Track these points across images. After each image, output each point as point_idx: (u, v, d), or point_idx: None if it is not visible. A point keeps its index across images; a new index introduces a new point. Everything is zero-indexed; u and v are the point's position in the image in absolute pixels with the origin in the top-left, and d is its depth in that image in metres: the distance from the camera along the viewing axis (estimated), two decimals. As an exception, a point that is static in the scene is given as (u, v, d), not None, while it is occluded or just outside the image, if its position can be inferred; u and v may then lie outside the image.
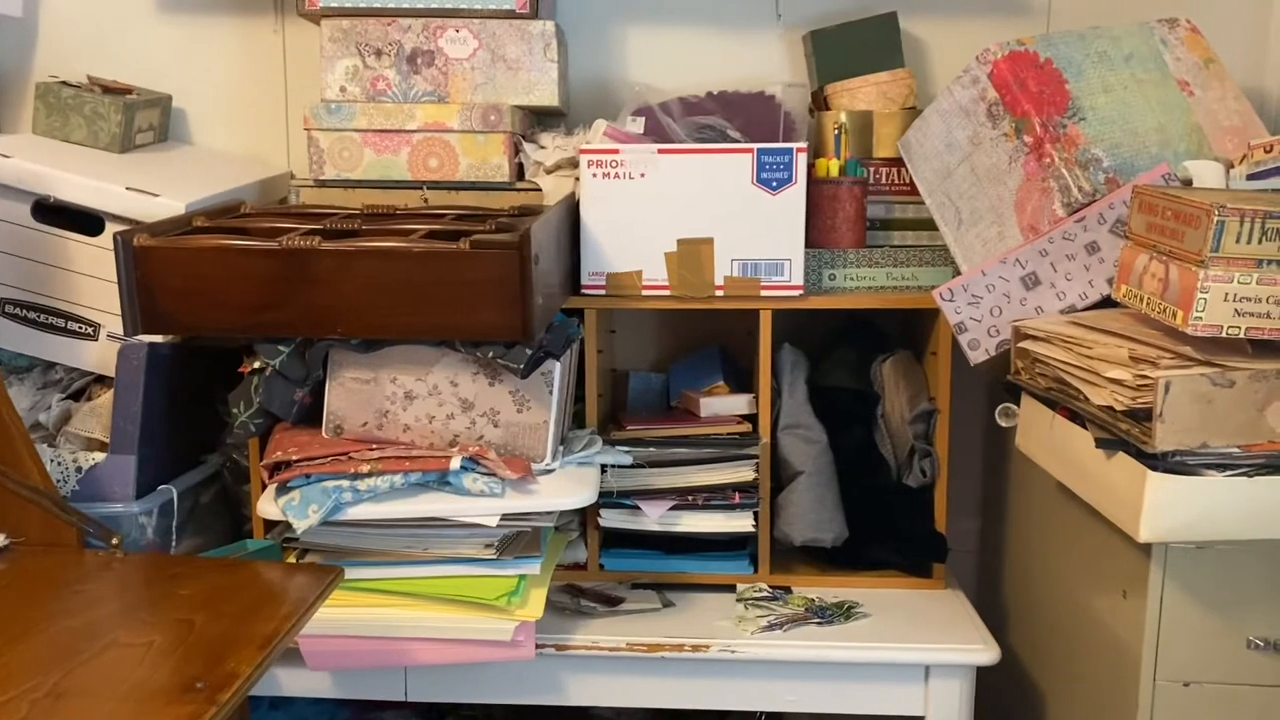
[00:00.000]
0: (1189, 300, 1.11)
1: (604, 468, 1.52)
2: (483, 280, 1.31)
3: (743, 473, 1.57)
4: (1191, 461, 1.09)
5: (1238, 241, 1.09)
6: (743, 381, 1.70)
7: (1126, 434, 1.12)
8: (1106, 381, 1.15)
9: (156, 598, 1.19)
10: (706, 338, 1.84)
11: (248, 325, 1.36)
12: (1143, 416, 1.10)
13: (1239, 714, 1.17)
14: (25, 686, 0.96)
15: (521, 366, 1.36)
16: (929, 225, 1.60)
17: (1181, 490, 1.07)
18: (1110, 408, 1.14)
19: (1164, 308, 1.15)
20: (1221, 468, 1.09)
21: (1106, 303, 1.35)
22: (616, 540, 1.62)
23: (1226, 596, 1.16)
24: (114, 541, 1.30)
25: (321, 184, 1.65)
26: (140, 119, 1.73)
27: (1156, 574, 1.16)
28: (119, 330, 1.49)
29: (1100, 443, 1.17)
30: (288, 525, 1.39)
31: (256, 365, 1.40)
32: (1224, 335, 1.11)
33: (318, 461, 1.36)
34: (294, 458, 1.37)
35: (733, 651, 1.42)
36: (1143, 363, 1.13)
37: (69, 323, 1.55)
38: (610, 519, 1.57)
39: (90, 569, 1.26)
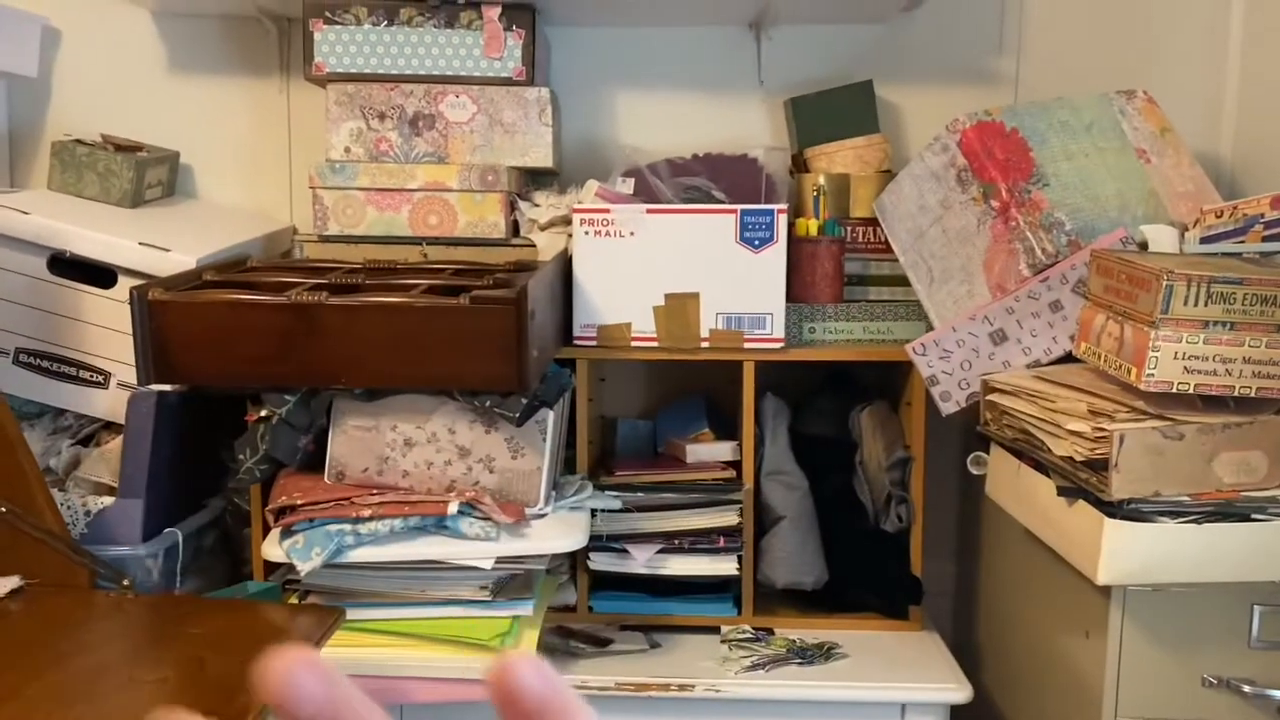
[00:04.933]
0: (1141, 358, 1.19)
1: (594, 512, 1.58)
2: (481, 333, 1.38)
3: (727, 517, 1.63)
4: (1145, 509, 1.16)
5: (1185, 304, 1.18)
6: (726, 429, 1.77)
7: (1086, 483, 1.20)
8: (1067, 433, 1.23)
9: (167, 637, 1.24)
10: (692, 387, 1.92)
11: (256, 376, 1.42)
12: (1100, 466, 1.18)
13: (1195, 749, 1.24)
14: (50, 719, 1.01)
15: (517, 415, 1.43)
16: (903, 282, 1.69)
17: (1136, 536, 1.15)
18: (1070, 458, 1.22)
19: (1119, 364, 1.24)
20: (1173, 514, 1.16)
21: (1069, 358, 1.43)
22: (605, 583, 1.68)
23: (1182, 636, 1.23)
24: (125, 583, 1.36)
25: (325, 239, 1.72)
26: (150, 175, 1.81)
27: (1116, 615, 1.23)
28: (129, 379, 1.56)
29: (1061, 491, 1.24)
30: (289, 568, 1.45)
31: (263, 413, 1.47)
32: (1175, 391, 1.19)
33: (321, 506, 1.42)
34: (298, 502, 1.43)
35: (717, 691, 1.48)
36: (1100, 416, 1.21)
37: (80, 371, 1.61)
38: (599, 562, 1.63)
39: (102, 609, 1.32)
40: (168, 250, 1.59)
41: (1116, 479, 1.15)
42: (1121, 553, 1.15)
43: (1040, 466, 1.32)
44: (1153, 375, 1.18)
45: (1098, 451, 1.18)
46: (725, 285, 1.62)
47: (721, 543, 1.63)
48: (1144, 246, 1.45)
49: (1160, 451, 1.15)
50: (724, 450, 1.71)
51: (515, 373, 1.38)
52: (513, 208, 1.73)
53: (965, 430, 1.76)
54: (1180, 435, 1.16)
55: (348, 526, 1.41)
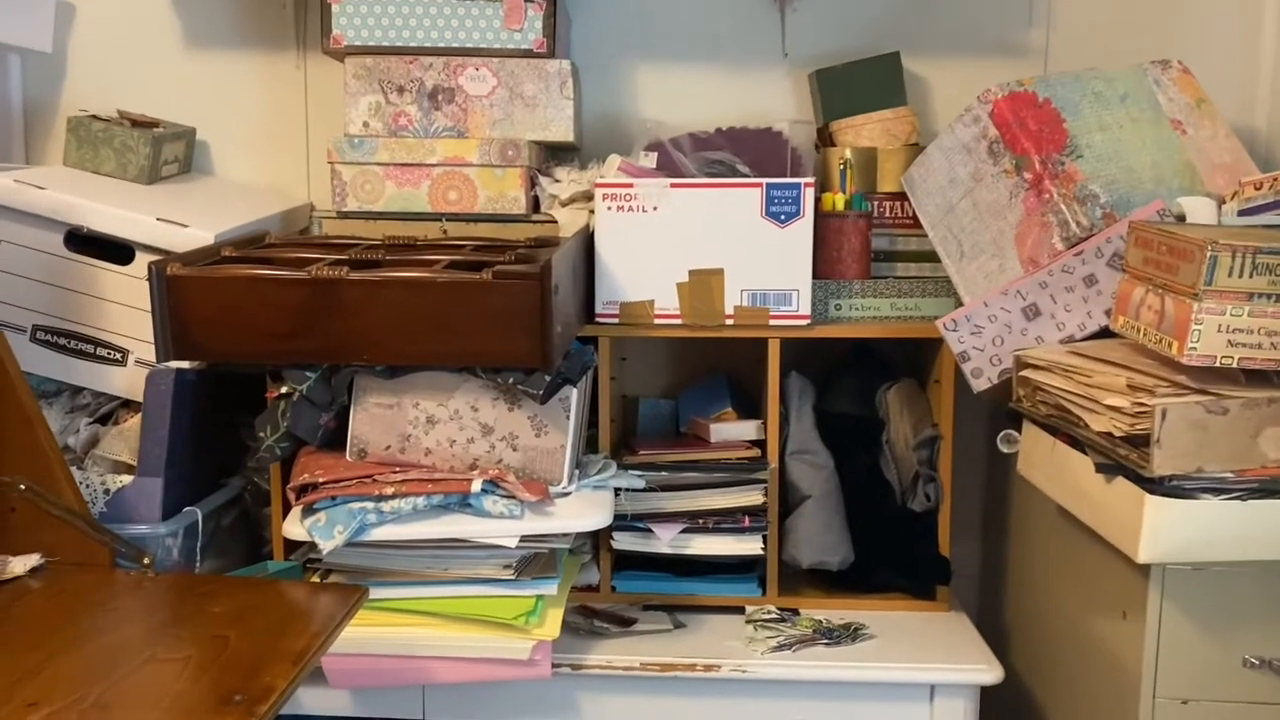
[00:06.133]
0: (1184, 331, 1.16)
1: (617, 491, 1.56)
2: (504, 310, 1.35)
3: (752, 497, 1.61)
4: (1188, 486, 1.14)
5: (1230, 275, 1.14)
6: (749, 408, 1.75)
7: (1125, 459, 1.17)
8: (1105, 409, 1.20)
9: (189, 615, 1.23)
10: (715, 365, 1.89)
11: (276, 352, 1.40)
12: (1140, 442, 1.15)
13: (1235, 730, 1.22)
14: (71, 698, 1.00)
15: (540, 393, 1.41)
16: (932, 257, 1.66)
17: (1178, 513, 1.12)
18: (1109, 434, 1.19)
19: (1160, 338, 1.20)
20: (1216, 491, 1.13)
21: (1104, 333, 1.40)
22: (628, 563, 1.66)
23: (1222, 617, 1.20)
24: (145, 561, 1.34)
25: (344, 215, 1.70)
26: (167, 151, 1.79)
27: (1155, 595, 1.20)
28: (147, 356, 1.54)
29: (1100, 467, 1.22)
30: (310, 546, 1.43)
31: (284, 390, 1.45)
32: (1218, 365, 1.16)
33: (343, 484, 1.41)
34: (320, 480, 1.41)
35: (743, 671, 1.46)
36: (1140, 391, 1.18)
37: (98, 349, 1.59)
38: (623, 542, 1.61)
39: (123, 587, 1.30)
40: (185, 226, 1.56)
41: (1158, 455, 1.12)
42: (1163, 530, 1.12)
43: (1076, 443, 1.29)
44: (1195, 349, 1.15)
45: (1138, 427, 1.15)
46: (750, 261, 1.59)
47: (746, 522, 1.61)
48: (1181, 219, 1.42)
49: (1204, 427, 1.12)
50: (748, 429, 1.68)
51: (538, 349, 1.36)
52: (533, 183, 1.70)
53: (994, 409, 1.74)
54: (1224, 410, 1.13)
55: (370, 504, 1.39)
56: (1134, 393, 1.18)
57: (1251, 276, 1.14)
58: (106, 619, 1.22)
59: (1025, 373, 1.39)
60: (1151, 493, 1.13)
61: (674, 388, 1.92)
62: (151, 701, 1.02)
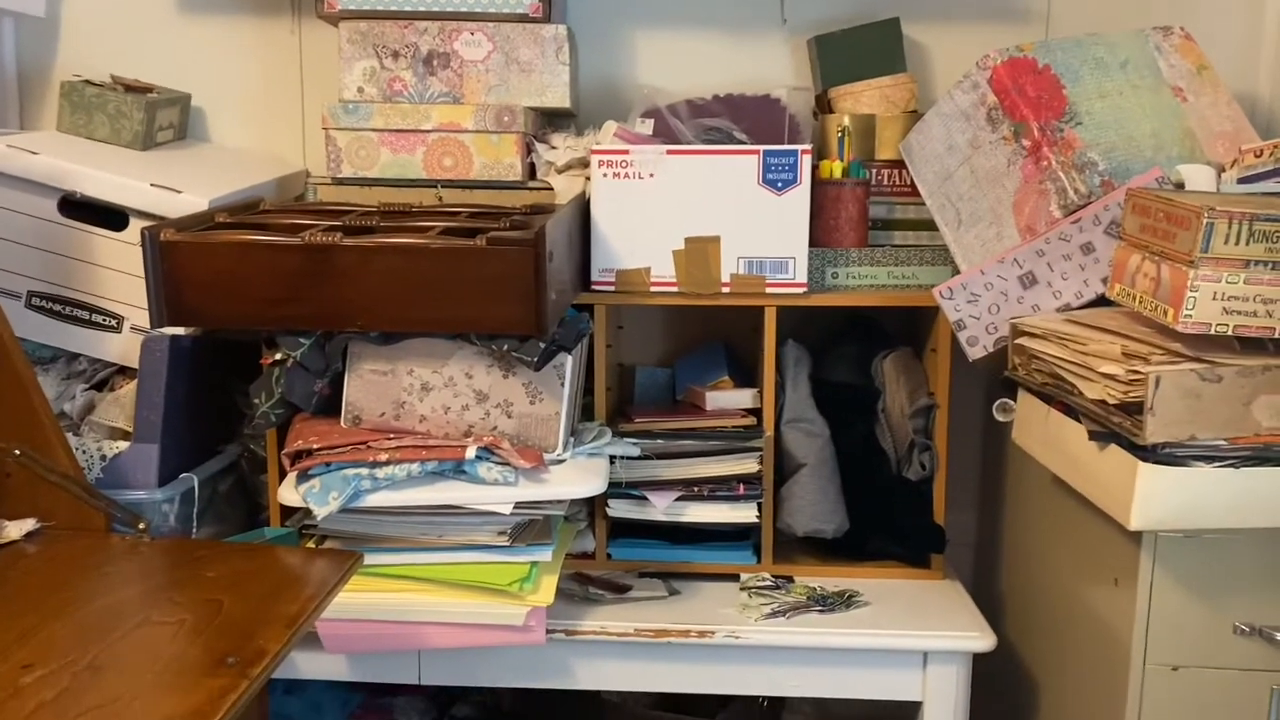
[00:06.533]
0: (1179, 299, 1.15)
1: (613, 459, 1.56)
2: (498, 276, 1.35)
3: (747, 465, 1.61)
4: (1180, 453, 1.13)
5: (1226, 243, 1.14)
6: (746, 377, 1.75)
7: (1119, 427, 1.17)
8: (1100, 376, 1.20)
9: (184, 579, 1.23)
10: (711, 334, 1.89)
11: (270, 318, 1.40)
12: (1134, 410, 1.15)
13: (1225, 697, 1.22)
14: (65, 660, 1.00)
15: (535, 359, 1.40)
16: (929, 226, 1.65)
17: (1170, 480, 1.12)
18: (1103, 401, 1.19)
19: (1155, 306, 1.20)
20: (1209, 459, 1.13)
21: (1101, 301, 1.40)
22: (624, 530, 1.66)
23: (1213, 583, 1.21)
24: (140, 526, 1.35)
25: (339, 182, 1.69)
26: (161, 117, 1.78)
27: (1146, 562, 1.21)
28: (142, 323, 1.54)
29: (1093, 435, 1.21)
30: (306, 513, 1.43)
31: (278, 357, 1.44)
32: (1212, 333, 1.15)
33: (337, 450, 1.41)
34: (314, 446, 1.41)
35: (737, 638, 1.47)
36: (1135, 358, 1.17)
37: (93, 315, 1.59)
38: (618, 509, 1.62)
39: (118, 552, 1.31)
40: (179, 192, 1.56)
41: (1151, 422, 1.12)
42: (1155, 497, 1.12)
43: (1071, 411, 1.29)
44: (1190, 316, 1.15)
45: (1132, 394, 1.15)
46: (747, 229, 1.58)
47: (741, 490, 1.61)
48: (1180, 186, 1.41)
49: (1197, 394, 1.12)
50: (744, 397, 1.68)
51: (533, 316, 1.36)
52: (529, 150, 1.69)
53: (990, 378, 1.73)
54: (1218, 378, 1.12)
55: (364, 471, 1.39)
56: (1128, 360, 1.18)
57: (1248, 243, 1.13)
58: (102, 583, 1.22)
59: (1021, 341, 1.39)
60: (1144, 460, 1.13)
61: (670, 356, 1.92)
62: (145, 664, 1.02)
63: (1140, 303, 1.23)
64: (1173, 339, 1.19)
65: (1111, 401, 1.17)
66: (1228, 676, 1.21)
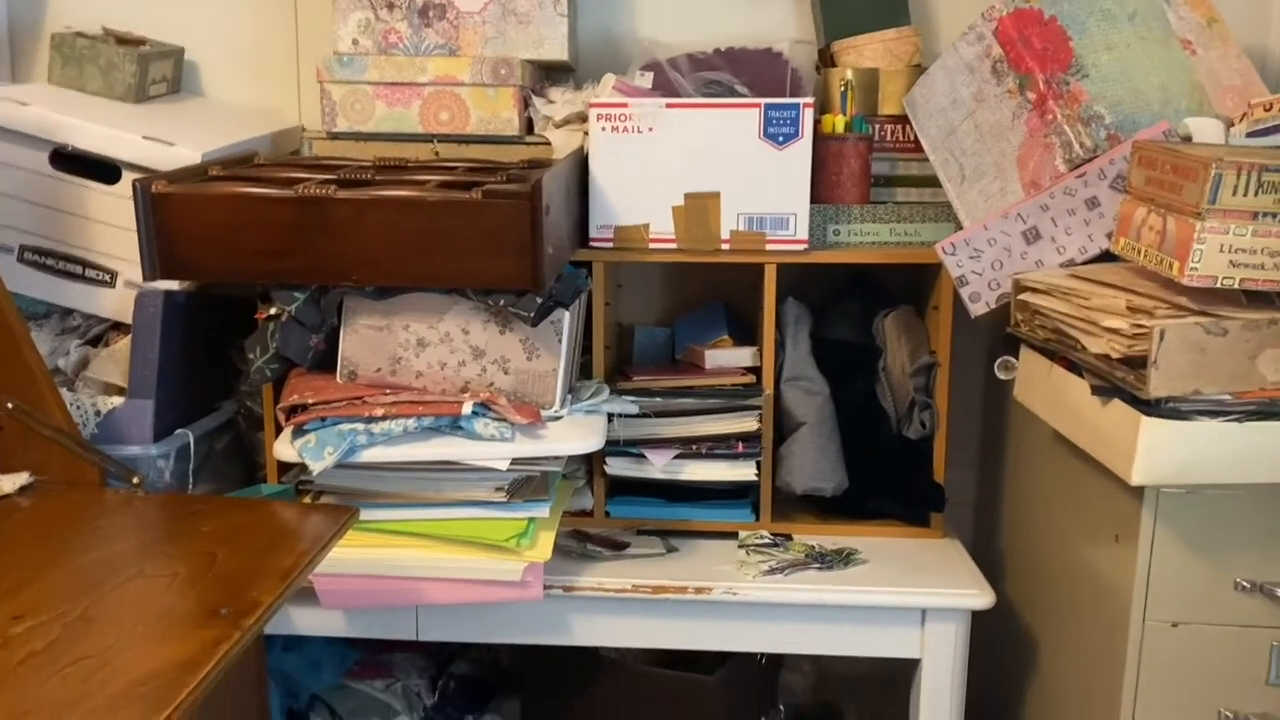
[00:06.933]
0: (1185, 251, 1.14)
1: (611, 417, 1.55)
2: (495, 229, 1.33)
3: (746, 423, 1.60)
4: (1184, 408, 1.12)
5: (1234, 194, 1.12)
6: (746, 336, 1.73)
7: (1122, 381, 1.16)
8: (1104, 331, 1.18)
9: (178, 533, 1.22)
10: (711, 293, 1.87)
11: (264, 271, 1.39)
12: (1138, 364, 1.13)
13: (1225, 653, 1.21)
14: (56, 611, 1.00)
15: (531, 315, 1.39)
16: (933, 182, 1.62)
17: (1173, 434, 1.11)
18: (1107, 356, 1.17)
19: (1161, 259, 1.18)
20: (1213, 414, 1.12)
21: (1105, 257, 1.38)
22: (622, 488, 1.66)
23: (1215, 540, 1.20)
24: (135, 480, 1.34)
25: (334, 136, 1.67)
26: (154, 70, 1.75)
27: (1148, 518, 1.20)
28: (136, 278, 1.52)
29: (1096, 390, 1.20)
30: (302, 469, 1.43)
31: (273, 311, 1.43)
32: (1218, 286, 1.13)
33: (333, 405, 1.40)
34: (310, 401, 1.40)
35: (734, 594, 1.46)
36: (1139, 312, 1.16)
37: (86, 270, 1.58)
38: (616, 467, 1.61)
39: (112, 506, 1.30)
40: (172, 144, 1.54)
41: (1155, 376, 1.10)
42: (1158, 452, 1.11)
43: (1073, 367, 1.27)
44: (1196, 269, 1.13)
45: (1136, 348, 1.13)
46: (747, 184, 1.56)
47: (740, 448, 1.60)
48: (1187, 140, 1.38)
49: (1202, 348, 1.10)
50: (744, 355, 1.67)
51: (529, 270, 1.34)
52: (526, 104, 1.67)
53: (991, 337, 1.72)
54: (1224, 331, 1.11)
55: (360, 426, 1.38)
56: (1133, 314, 1.16)
57: (1256, 195, 1.11)
58: (94, 536, 1.22)
59: (1023, 296, 1.37)
60: (1147, 414, 1.12)
61: (670, 316, 1.90)
62: (137, 615, 1.02)
63: (1145, 256, 1.22)
64: (1178, 293, 1.17)
65: (1115, 356, 1.16)
66: (1228, 633, 1.21)
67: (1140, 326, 1.13)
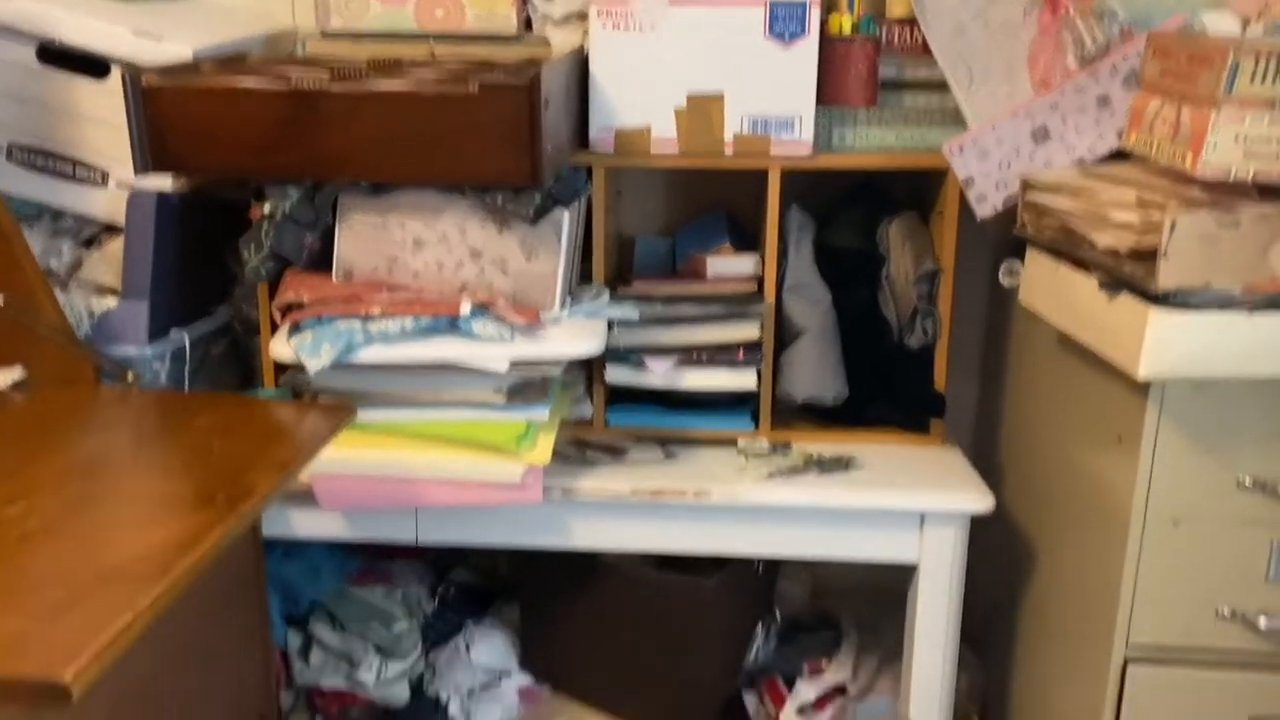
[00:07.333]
0: (1199, 142, 1.11)
1: (611, 325, 1.53)
2: (492, 123, 1.30)
3: (747, 331, 1.58)
4: (1193, 300, 1.10)
5: (1252, 82, 1.09)
6: (748, 247, 1.70)
7: (1130, 275, 1.14)
8: (1113, 225, 1.16)
9: (174, 426, 1.22)
10: (712, 204, 1.84)
11: (257, 167, 1.36)
12: (1147, 257, 1.11)
13: (1224, 550, 1.21)
14: (51, 495, 0.99)
15: (530, 213, 1.37)
16: (940, 87, 1.58)
17: (1182, 326, 1.09)
18: (1115, 250, 1.15)
19: (1174, 151, 1.16)
20: (1222, 307, 1.10)
21: (1116, 157, 1.35)
22: (621, 397, 1.65)
23: (1219, 437, 1.19)
24: (129, 377, 1.33)
25: (328, 36, 1.63)
26: (142, -33, 1.70)
27: (1152, 415, 1.19)
28: (128, 178, 1.49)
29: (1104, 285, 1.18)
30: (299, 372, 1.41)
31: (267, 209, 1.41)
32: (1232, 178, 1.11)
33: (329, 303, 1.38)
34: (306, 299, 1.38)
35: (734, 498, 1.46)
36: (1150, 206, 1.13)
37: (77, 169, 1.55)
38: (616, 374, 1.60)
39: (107, 401, 1.29)
40: (162, 40, 1.50)
41: (1165, 268, 1.08)
42: (1165, 344, 1.09)
43: (1081, 265, 1.25)
44: (1209, 160, 1.10)
45: (1146, 241, 1.11)
46: (751, 85, 1.52)
47: (741, 356, 1.58)
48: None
49: (1214, 240, 1.08)
50: (746, 263, 1.64)
51: (527, 166, 1.32)
52: (525, 1, 1.62)
53: (995, 245, 1.69)
54: (1236, 222, 1.09)
55: (357, 324, 1.37)
56: (1144, 208, 1.14)
57: (1274, 83, 1.09)
58: (89, 428, 1.21)
59: (1031, 196, 1.35)
60: (1156, 306, 1.10)
61: (671, 227, 1.87)
62: (132, 500, 1.01)
63: (1158, 150, 1.19)
64: (1189, 187, 1.15)
65: (1124, 250, 1.14)
66: (1228, 530, 1.20)
67: (1151, 219, 1.11)
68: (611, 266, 1.68)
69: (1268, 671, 1.24)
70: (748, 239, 1.75)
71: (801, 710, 1.68)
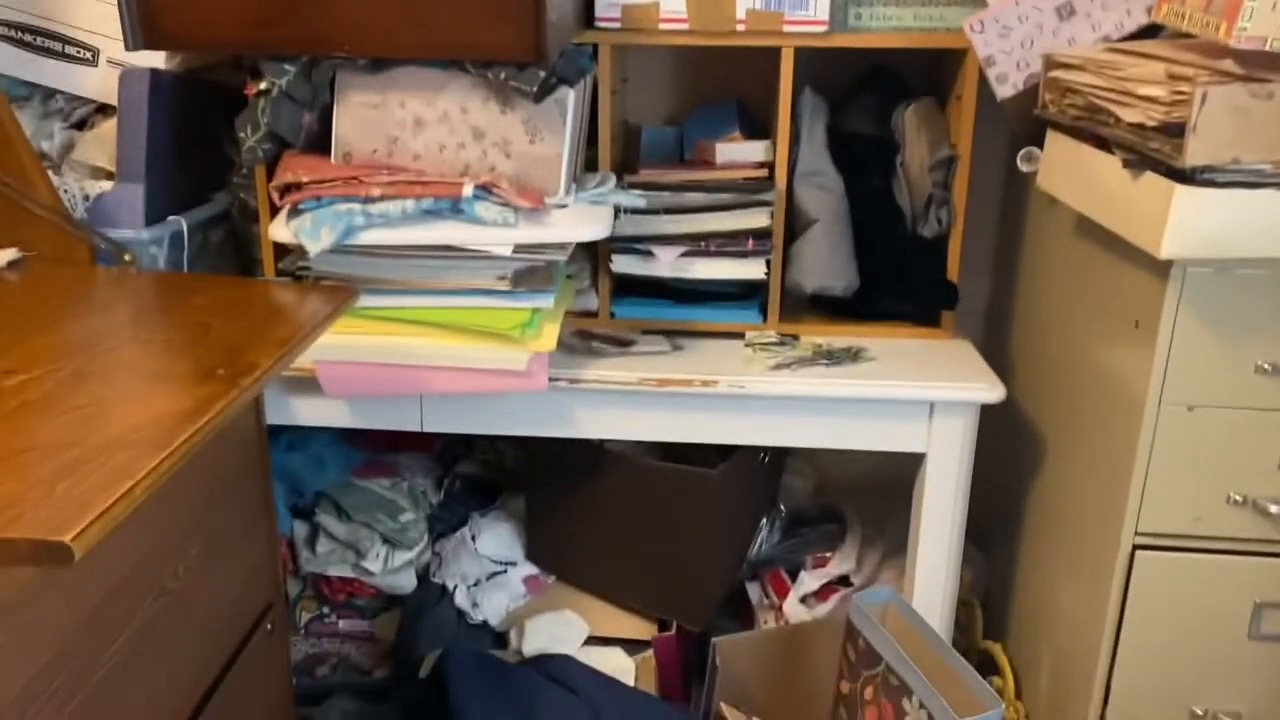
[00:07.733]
0: (1235, 10, 1.06)
1: (617, 213, 1.50)
2: (494, -7, 1.25)
3: (758, 219, 1.54)
4: (1220, 178, 1.07)
5: (1293, -55, 1.03)
6: (760, 135, 1.66)
7: (1157, 152, 1.10)
8: (1140, 100, 1.12)
9: (172, 305, 1.19)
10: (724, 90, 1.79)
11: (250, 41, 1.31)
12: (1175, 132, 1.07)
13: (1239, 436, 1.20)
14: (49, 368, 0.97)
15: (534, 90, 1.32)
16: (961, -36, 1.52)
17: (1208, 203, 1.06)
18: (1141, 125, 1.11)
19: (1207, 21, 1.10)
20: (1251, 186, 1.07)
21: (1143, 34, 1.30)
22: (628, 289, 1.62)
23: (1238, 322, 1.16)
24: (126, 258, 1.30)
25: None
26: None
27: (1171, 300, 1.16)
28: (119, 56, 1.44)
29: (1128, 163, 1.14)
30: (300, 257, 1.38)
31: (263, 87, 1.36)
32: (1268, 48, 1.06)
33: (328, 184, 1.34)
34: (304, 180, 1.35)
35: (741, 387, 1.44)
36: (1180, 79, 1.09)
37: (66, 46, 1.50)
38: (622, 264, 1.57)
39: (104, 281, 1.27)
40: (149, -92, 1.43)
41: (1193, 143, 1.04)
42: (1190, 222, 1.06)
43: (1104, 145, 1.21)
44: (1245, 29, 1.05)
45: (1174, 115, 1.07)
46: (764, -40, 1.46)
47: (750, 245, 1.55)
48: (1242, -95, 1.28)
49: (1246, 113, 1.04)
50: (756, 150, 1.60)
51: (531, 39, 1.27)
52: None
53: (1014, 133, 1.65)
54: (1270, 95, 1.04)
55: (357, 206, 1.33)
56: (1173, 82, 1.09)
57: (1318, -54, 1.03)
58: (87, 305, 1.19)
59: (1054, 73, 1.30)
60: (1181, 183, 1.06)
61: (679, 116, 1.82)
62: (132, 373, 0.99)
63: (1190, 20, 1.14)
64: (1222, 60, 1.10)
65: (1151, 125, 1.10)
66: (1244, 416, 1.19)
67: (1180, 93, 1.07)
68: (618, 156, 1.64)
69: (1276, 559, 1.23)
70: (758, 129, 1.70)
71: (804, 600, 1.69)
